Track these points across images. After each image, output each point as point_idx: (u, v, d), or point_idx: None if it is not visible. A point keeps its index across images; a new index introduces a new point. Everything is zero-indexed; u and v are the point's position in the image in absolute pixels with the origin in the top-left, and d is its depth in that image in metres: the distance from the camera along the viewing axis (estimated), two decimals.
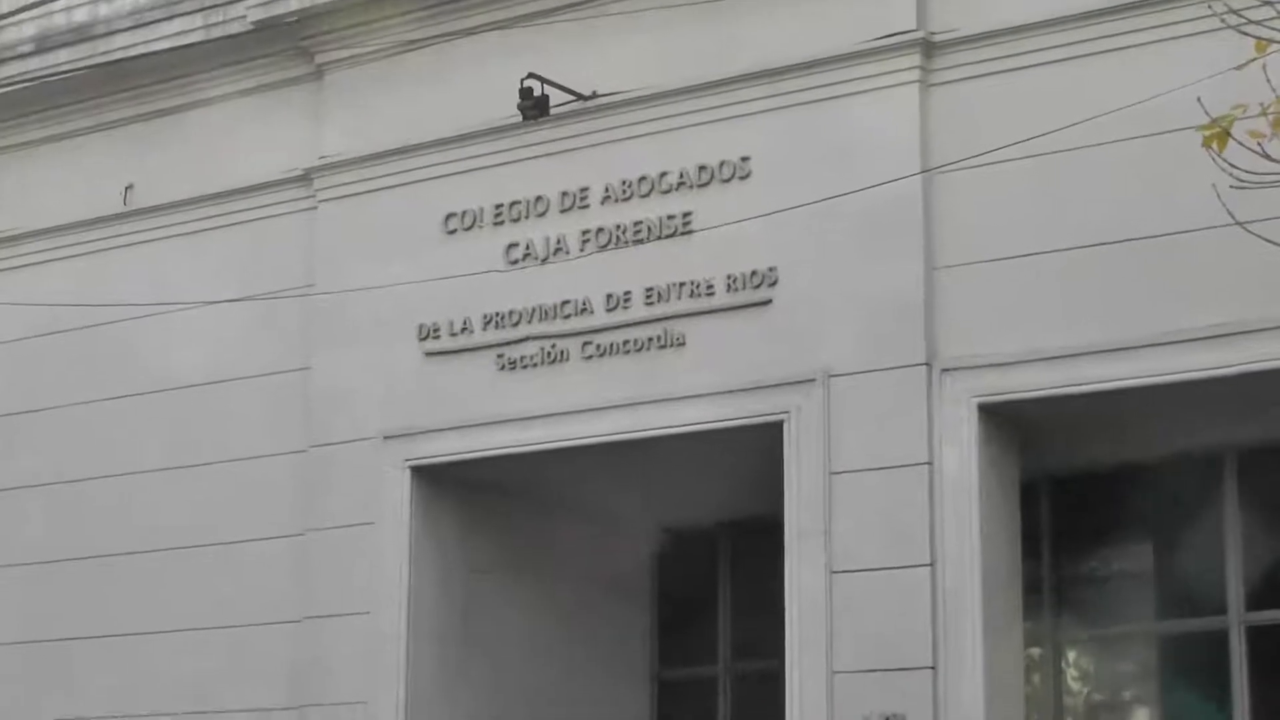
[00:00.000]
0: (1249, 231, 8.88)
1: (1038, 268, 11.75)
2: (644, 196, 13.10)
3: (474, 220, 13.72)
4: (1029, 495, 12.64)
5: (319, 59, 14.62)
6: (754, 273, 12.58)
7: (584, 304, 13.19)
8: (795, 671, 12.12)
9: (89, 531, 14.95)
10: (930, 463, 11.95)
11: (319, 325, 14.26)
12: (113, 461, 14.93)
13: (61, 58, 15.70)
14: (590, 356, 13.14)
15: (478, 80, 13.75)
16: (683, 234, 12.91)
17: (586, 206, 13.31)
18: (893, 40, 12.33)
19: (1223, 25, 8.64)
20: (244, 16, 14.74)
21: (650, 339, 12.92)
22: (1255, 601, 12.92)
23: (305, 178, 14.57)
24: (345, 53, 14.50)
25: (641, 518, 15.10)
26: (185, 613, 14.41)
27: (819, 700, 11.95)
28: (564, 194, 13.40)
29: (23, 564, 15.30)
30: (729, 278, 12.68)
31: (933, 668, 11.72)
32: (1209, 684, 13.05)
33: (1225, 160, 8.06)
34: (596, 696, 14.92)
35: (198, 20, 15.11)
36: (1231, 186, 8.32)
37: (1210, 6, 9.05)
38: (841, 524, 12.12)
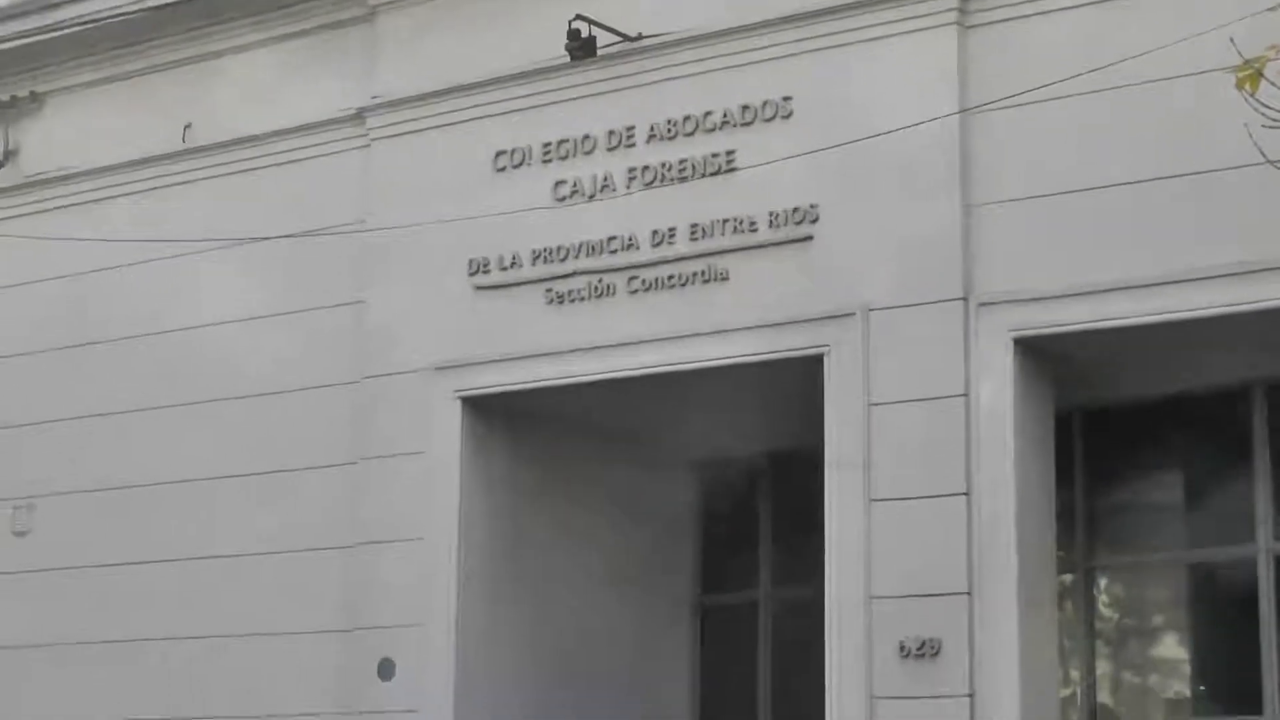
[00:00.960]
0: None
1: (1072, 205, 11.73)
2: (688, 135, 13.10)
3: (523, 158, 13.75)
4: (1062, 426, 12.66)
5: (372, 1, 14.63)
6: (795, 210, 12.61)
7: (630, 240, 13.22)
8: (834, 598, 12.18)
9: (150, 460, 15.07)
10: (966, 395, 11.98)
11: (372, 261, 14.31)
12: (172, 392, 15.05)
13: (119, 1, 15.71)
14: (636, 291, 13.18)
15: (527, 22, 13.76)
16: (726, 172, 12.93)
17: (633, 145, 13.32)
18: None
19: None
20: None
21: (694, 274, 12.96)
22: None
23: (359, 117, 14.60)
24: None
25: (685, 448, 15.16)
26: (243, 539, 14.54)
27: (857, 625, 12.01)
28: (610, 133, 13.42)
29: (88, 490, 15.37)
30: (771, 215, 12.70)
31: (968, 594, 11.77)
32: (1237, 611, 13.07)
33: (1258, 100, 8.06)
34: (640, 622, 15.02)
35: None
36: (1264, 126, 8.33)
37: None
38: (880, 454, 12.16)
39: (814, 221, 12.55)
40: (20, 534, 15.70)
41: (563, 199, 13.56)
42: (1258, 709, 12.78)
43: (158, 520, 14.95)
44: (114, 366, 15.39)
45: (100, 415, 15.42)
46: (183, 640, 14.67)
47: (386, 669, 13.72)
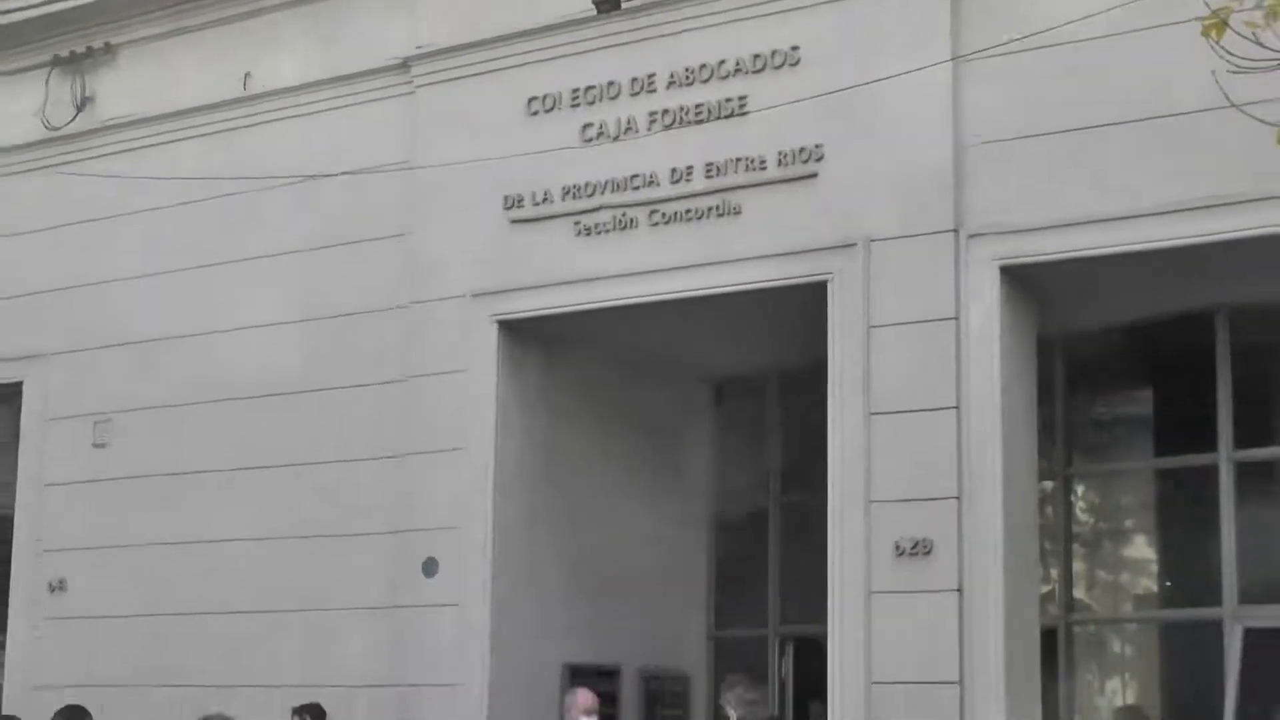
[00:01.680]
0: (1244, 113, 8.89)
1: (1055, 145, 11.75)
2: (704, 82, 13.10)
3: (553, 103, 13.75)
4: (1044, 347, 12.69)
5: None
6: (802, 149, 12.62)
7: (650, 177, 13.23)
8: (837, 502, 12.25)
9: (217, 377, 15.13)
10: (957, 318, 12.02)
11: (417, 197, 14.32)
12: (237, 316, 15.09)
13: None
14: (656, 224, 13.19)
15: None
16: (739, 115, 12.94)
17: (654, 91, 13.31)
18: None
19: None
20: None
21: (709, 209, 12.97)
22: (1243, 440, 12.97)
23: (404, 66, 14.58)
24: None
25: (701, 367, 15.24)
26: (303, 449, 14.62)
27: (858, 527, 12.09)
28: (633, 80, 13.40)
29: (159, 406, 15.51)
30: (779, 154, 12.72)
31: (958, 498, 11.84)
32: (1200, 514, 13.11)
33: (1223, 48, 8.07)
34: (659, 529, 15.09)
35: None
36: (1229, 71, 8.33)
37: None
38: (878, 372, 12.21)
39: (819, 160, 12.56)
40: (100, 446, 15.74)
41: (589, 140, 13.56)
42: (1218, 602, 12.84)
43: (225, 431, 15.04)
44: (185, 293, 15.43)
45: (173, 337, 15.47)
46: (247, 541, 14.77)
47: (430, 567, 13.82)
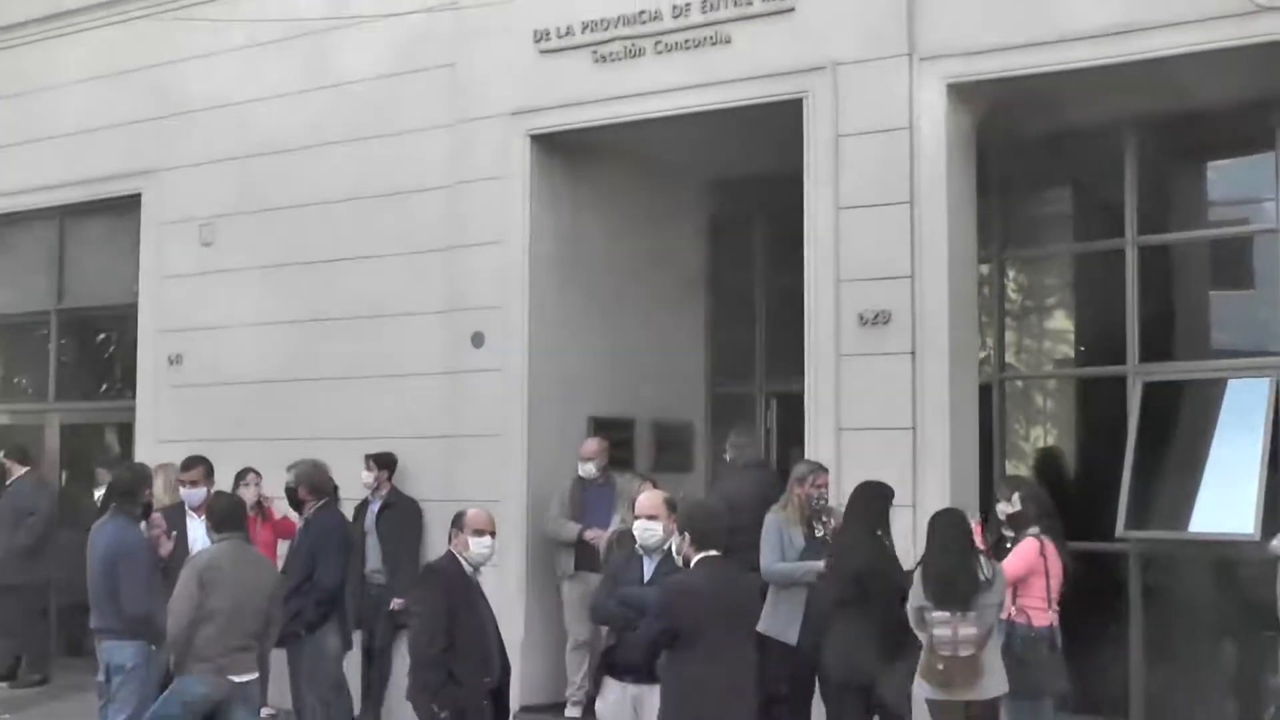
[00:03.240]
0: None
1: None
2: None
3: None
4: (984, 152, 12.52)
5: None
6: None
7: (655, 13, 13.00)
8: (812, 281, 12.24)
9: (303, 185, 15.05)
10: (910, 128, 11.89)
11: (462, 34, 14.11)
12: (318, 133, 14.92)
13: None
14: (660, 52, 12.98)
15: None
16: None
17: None
18: None
19: None
20: None
21: (705, 38, 12.77)
22: (1145, 226, 12.93)
23: None
24: None
25: (700, 171, 15.15)
26: (374, 243, 14.57)
27: (829, 301, 12.10)
28: None
29: (256, 211, 15.44)
30: None
31: (910, 277, 11.81)
32: (1110, 288, 13.10)
33: None
34: (666, 306, 15.15)
35: None
36: None
37: None
38: (845, 175, 12.12)
39: None
40: (206, 244, 15.74)
41: None
42: (1123, 361, 12.89)
43: (308, 231, 14.99)
44: (273, 116, 15.28)
45: (265, 154, 15.34)
46: (327, 321, 14.82)
47: (478, 339, 13.86)
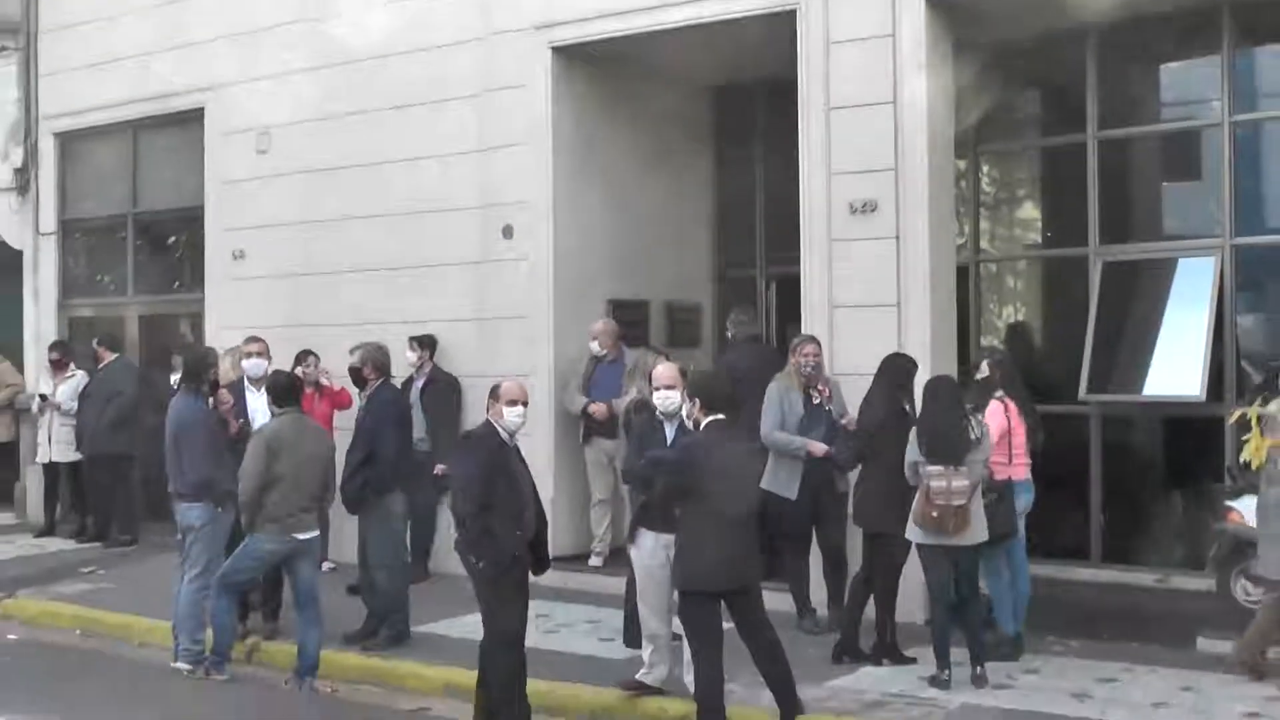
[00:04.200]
0: None
1: None
2: None
3: None
4: (961, 57, 12.23)
5: None
6: None
7: None
8: (806, 175, 12.05)
9: (354, 91, 14.80)
10: (893, 35, 11.66)
11: None
12: (360, 49, 14.65)
13: None
14: None
15: None
16: None
17: None
18: None
19: None
20: None
21: None
22: (1105, 123, 12.80)
23: None
24: None
25: (704, 77, 14.92)
26: (411, 148, 14.38)
27: (822, 193, 11.93)
28: None
29: (309, 120, 15.22)
30: None
31: (894, 170, 11.64)
32: (1074, 180, 13.00)
33: None
34: (676, 199, 14.96)
35: None
36: None
37: None
38: (835, 79, 11.91)
39: None
40: (262, 152, 15.59)
41: None
42: (1085, 243, 12.77)
43: (355, 138, 14.76)
44: (320, 36, 15.02)
45: (314, 69, 15.10)
46: (373, 218, 14.64)
47: (507, 231, 13.74)
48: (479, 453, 8.92)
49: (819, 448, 10.84)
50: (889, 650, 10.17)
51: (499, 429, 9.02)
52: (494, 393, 9.13)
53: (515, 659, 8.80)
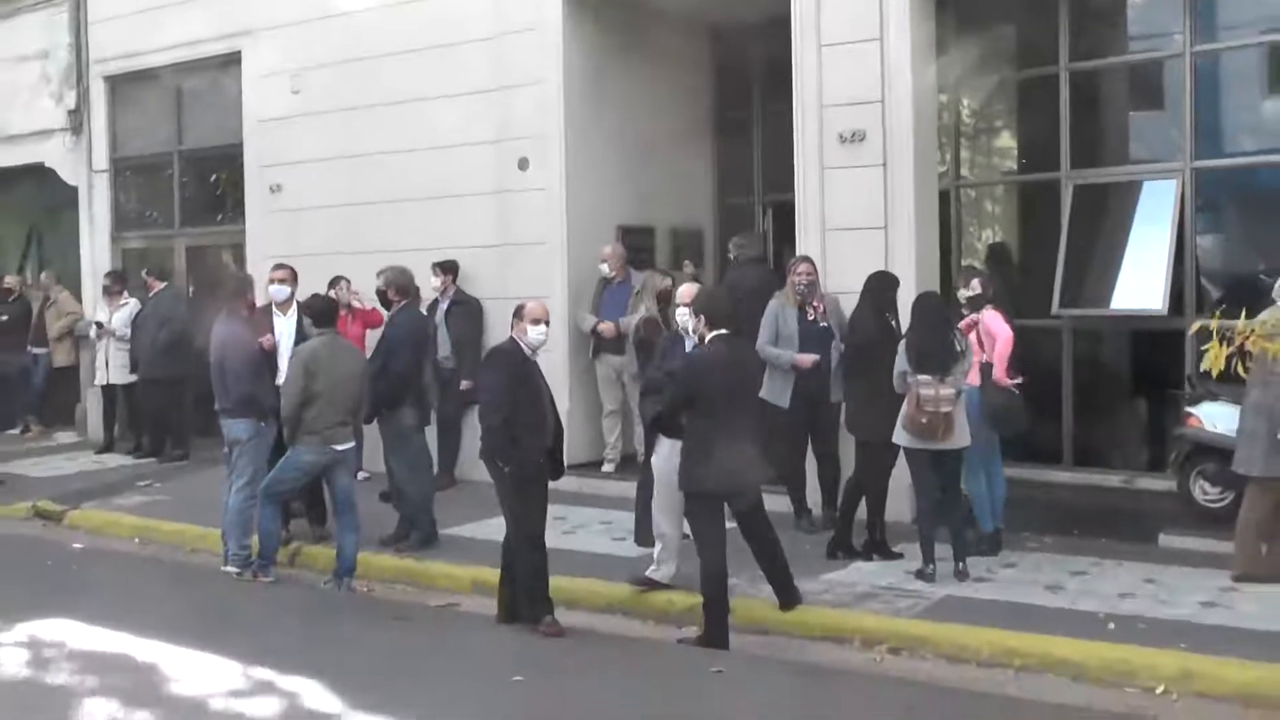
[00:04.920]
0: None
1: None
2: None
3: None
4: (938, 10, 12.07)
5: None
6: None
7: None
8: (799, 109, 11.86)
9: (379, 41, 14.55)
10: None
11: None
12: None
13: None
14: None
15: None
16: None
17: None
18: None
19: None
20: None
21: None
22: (1075, 55, 12.59)
23: None
24: None
25: (705, 18, 14.68)
26: (429, 88, 14.16)
27: (814, 124, 11.75)
28: None
29: (340, 63, 14.97)
30: None
31: (881, 102, 11.45)
32: (1046, 108, 12.79)
33: None
34: (680, 131, 14.62)
35: None
36: None
37: None
38: (826, 20, 11.69)
39: None
40: (296, 92, 15.41)
41: None
42: (1057, 168, 12.62)
43: (383, 79, 14.54)
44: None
45: (343, 15, 14.82)
46: (401, 153, 14.43)
47: (523, 163, 13.59)
48: (504, 367, 8.86)
49: (805, 360, 10.74)
50: (878, 547, 10.14)
51: (522, 345, 8.96)
52: (518, 312, 9.05)
53: (539, 557, 8.78)
